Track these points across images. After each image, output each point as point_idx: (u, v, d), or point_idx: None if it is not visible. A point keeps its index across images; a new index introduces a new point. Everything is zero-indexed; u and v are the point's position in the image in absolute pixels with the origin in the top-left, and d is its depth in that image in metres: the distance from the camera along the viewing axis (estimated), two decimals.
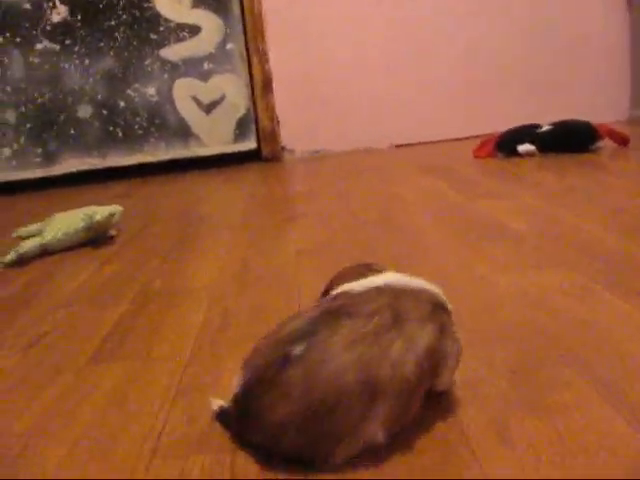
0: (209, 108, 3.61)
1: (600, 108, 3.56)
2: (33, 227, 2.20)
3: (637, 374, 0.94)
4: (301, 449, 0.75)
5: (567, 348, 1.04)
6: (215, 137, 3.63)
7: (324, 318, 0.79)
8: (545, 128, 2.95)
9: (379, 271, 0.92)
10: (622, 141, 2.88)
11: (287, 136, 3.66)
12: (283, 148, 3.67)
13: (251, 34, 3.54)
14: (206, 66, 3.56)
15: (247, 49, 3.56)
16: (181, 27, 3.53)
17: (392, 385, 0.74)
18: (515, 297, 1.29)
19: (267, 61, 3.57)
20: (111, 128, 3.58)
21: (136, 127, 3.59)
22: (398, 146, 3.68)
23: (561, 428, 0.82)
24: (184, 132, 3.61)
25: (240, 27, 3.54)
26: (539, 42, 3.63)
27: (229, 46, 3.55)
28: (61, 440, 0.94)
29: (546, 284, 1.35)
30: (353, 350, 0.74)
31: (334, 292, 0.87)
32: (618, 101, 3.66)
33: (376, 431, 0.75)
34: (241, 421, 0.80)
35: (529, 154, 2.93)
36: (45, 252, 2.11)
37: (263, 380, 0.77)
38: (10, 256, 2.03)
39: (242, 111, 3.62)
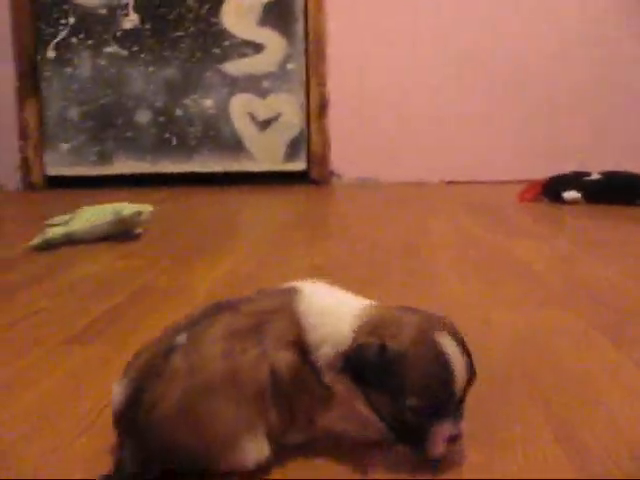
0: (264, 125, 3.66)
1: None
2: (65, 217, 2.25)
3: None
4: (191, 448, 0.76)
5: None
6: (266, 155, 3.67)
7: (209, 311, 0.84)
8: (594, 177, 2.88)
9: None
10: None
11: (337, 161, 3.67)
12: (332, 172, 3.68)
13: (312, 56, 3.58)
14: (265, 84, 3.62)
15: (307, 71, 3.60)
16: (245, 43, 3.60)
17: (251, 386, 0.78)
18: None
19: (325, 84, 3.60)
20: (166, 135, 3.66)
21: (190, 137, 3.66)
22: (449, 182, 3.65)
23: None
24: (236, 146, 3.66)
25: (302, 48, 3.59)
26: (593, 91, 3.57)
27: (289, 66, 3.60)
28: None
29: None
30: (224, 343, 0.79)
31: None
32: None
33: (255, 437, 0.78)
34: (131, 423, 0.78)
35: (574, 202, 2.86)
36: (71, 241, 2.16)
37: (151, 372, 0.79)
38: (36, 240, 2.10)
39: (295, 132, 3.65)
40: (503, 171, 3.61)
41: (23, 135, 3.70)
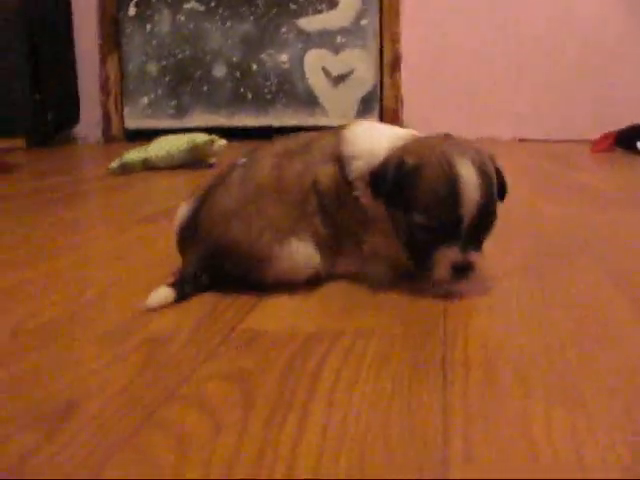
0: (337, 81, 3.69)
1: None
2: (142, 147, 2.34)
3: None
4: (242, 242, 0.83)
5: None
6: (339, 109, 3.70)
7: (270, 141, 0.94)
8: None
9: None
10: None
11: (409, 117, 3.68)
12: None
13: (386, 12, 3.60)
14: (339, 39, 3.65)
15: (380, 27, 3.62)
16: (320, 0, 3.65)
17: (295, 190, 0.85)
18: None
19: (398, 40, 3.61)
20: (242, 90, 3.73)
21: (265, 91, 3.72)
22: (521, 140, 3.61)
23: None
24: (310, 101, 3.71)
25: (376, 4, 3.61)
26: None
27: (363, 22, 3.63)
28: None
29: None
30: (275, 158, 0.88)
31: None
32: None
33: (300, 235, 0.84)
34: (194, 226, 0.87)
35: None
36: (147, 167, 2.25)
37: (214, 184, 0.89)
38: (115, 163, 2.19)
39: (368, 87, 3.67)
40: (577, 130, 3.54)
41: (104, 90, 3.83)
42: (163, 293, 0.80)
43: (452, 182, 0.77)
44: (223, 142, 2.36)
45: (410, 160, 0.79)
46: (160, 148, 2.27)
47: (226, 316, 0.77)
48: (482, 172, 0.79)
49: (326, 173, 0.85)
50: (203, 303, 0.81)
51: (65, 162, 2.89)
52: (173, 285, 0.82)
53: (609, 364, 0.63)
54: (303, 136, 0.91)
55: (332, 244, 0.86)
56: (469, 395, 0.57)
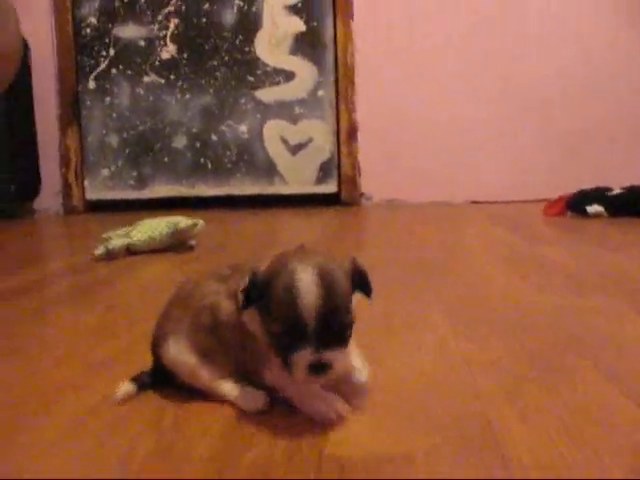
0: (295, 149, 3.81)
1: None
2: (122, 230, 2.39)
3: None
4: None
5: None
6: (298, 178, 3.81)
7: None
8: (616, 192, 3.01)
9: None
10: None
11: (366, 183, 3.81)
12: (362, 194, 3.82)
13: (342, 84, 3.75)
14: (297, 110, 3.78)
15: (337, 98, 3.76)
16: (277, 72, 3.77)
17: (193, 308, 0.98)
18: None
19: (354, 110, 3.76)
20: (202, 160, 3.81)
21: (225, 161, 3.81)
22: (473, 202, 3.78)
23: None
24: (270, 170, 3.81)
25: (332, 77, 3.76)
26: (614, 106, 3.72)
27: (320, 93, 3.77)
28: None
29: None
30: (203, 279, 1.01)
31: None
32: None
33: (178, 340, 0.97)
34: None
35: (597, 215, 2.98)
36: (131, 251, 2.29)
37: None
38: (100, 250, 2.23)
39: (326, 155, 3.80)
40: (526, 191, 3.74)
41: (65, 161, 3.86)
42: (125, 388, 0.97)
43: (292, 290, 0.83)
44: (202, 223, 2.42)
45: (261, 273, 0.88)
46: (143, 232, 2.33)
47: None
48: (323, 278, 0.84)
49: (226, 308, 0.95)
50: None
51: (34, 244, 2.89)
52: (134, 379, 0.99)
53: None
54: (235, 264, 1.02)
55: (225, 360, 0.96)
56: None
